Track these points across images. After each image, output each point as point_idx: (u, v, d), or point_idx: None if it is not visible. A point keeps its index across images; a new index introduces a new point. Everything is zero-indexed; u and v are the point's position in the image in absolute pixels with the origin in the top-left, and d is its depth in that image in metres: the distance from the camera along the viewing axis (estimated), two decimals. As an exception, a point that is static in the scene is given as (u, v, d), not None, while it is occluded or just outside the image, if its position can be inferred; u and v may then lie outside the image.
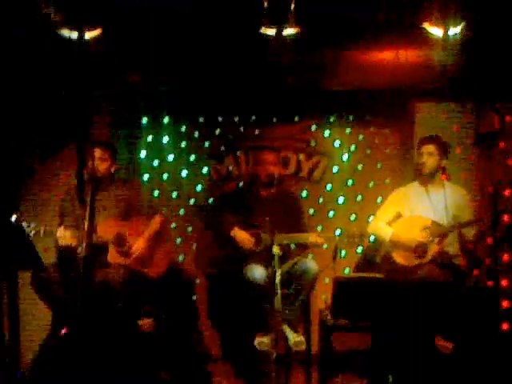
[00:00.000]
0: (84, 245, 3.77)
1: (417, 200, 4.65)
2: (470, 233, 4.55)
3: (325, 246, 5.02)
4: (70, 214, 4.52)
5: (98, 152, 4.47)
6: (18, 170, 5.00)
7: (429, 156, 4.60)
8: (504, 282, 4.90)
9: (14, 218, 4.26)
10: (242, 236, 4.64)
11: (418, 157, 4.67)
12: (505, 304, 4.87)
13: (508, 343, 4.38)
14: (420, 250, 4.49)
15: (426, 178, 4.67)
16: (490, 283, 4.86)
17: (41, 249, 4.19)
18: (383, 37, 4.50)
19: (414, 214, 4.63)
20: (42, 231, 4.32)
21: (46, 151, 5.04)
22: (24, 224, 4.25)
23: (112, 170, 4.66)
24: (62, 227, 4.38)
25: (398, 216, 4.65)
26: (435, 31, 4.31)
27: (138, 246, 4.54)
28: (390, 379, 4.08)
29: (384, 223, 4.68)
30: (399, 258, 4.56)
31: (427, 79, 4.94)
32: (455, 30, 4.30)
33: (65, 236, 4.32)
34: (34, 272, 4.34)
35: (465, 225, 4.54)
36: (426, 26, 4.31)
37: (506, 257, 4.95)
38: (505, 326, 4.71)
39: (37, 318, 4.85)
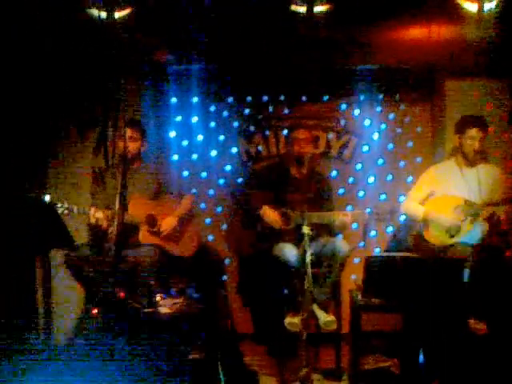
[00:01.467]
0: (116, 224, 3.80)
1: (450, 179, 4.59)
2: (502, 212, 4.49)
3: (355, 225, 5.01)
4: (102, 193, 4.56)
5: (128, 131, 4.47)
6: (51, 149, 5.03)
7: (474, 140, 4.51)
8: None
9: (46, 197, 4.29)
10: (270, 215, 4.61)
11: (459, 140, 4.56)
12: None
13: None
14: (452, 229, 4.45)
15: (461, 158, 4.60)
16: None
17: (73, 228, 4.22)
18: (415, 12, 4.42)
19: (447, 192, 4.57)
20: (75, 210, 4.35)
21: (78, 130, 5.06)
22: (57, 204, 4.28)
23: (142, 149, 4.67)
24: (94, 207, 4.40)
25: (431, 195, 4.60)
26: (469, 6, 4.23)
27: (169, 224, 4.55)
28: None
29: (416, 202, 4.63)
30: (431, 237, 4.52)
31: (460, 56, 4.84)
32: (490, 5, 4.22)
33: (97, 216, 4.35)
34: (67, 251, 4.38)
35: (497, 204, 4.48)
36: (460, 0, 4.23)
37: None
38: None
39: (69, 297, 4.89)
